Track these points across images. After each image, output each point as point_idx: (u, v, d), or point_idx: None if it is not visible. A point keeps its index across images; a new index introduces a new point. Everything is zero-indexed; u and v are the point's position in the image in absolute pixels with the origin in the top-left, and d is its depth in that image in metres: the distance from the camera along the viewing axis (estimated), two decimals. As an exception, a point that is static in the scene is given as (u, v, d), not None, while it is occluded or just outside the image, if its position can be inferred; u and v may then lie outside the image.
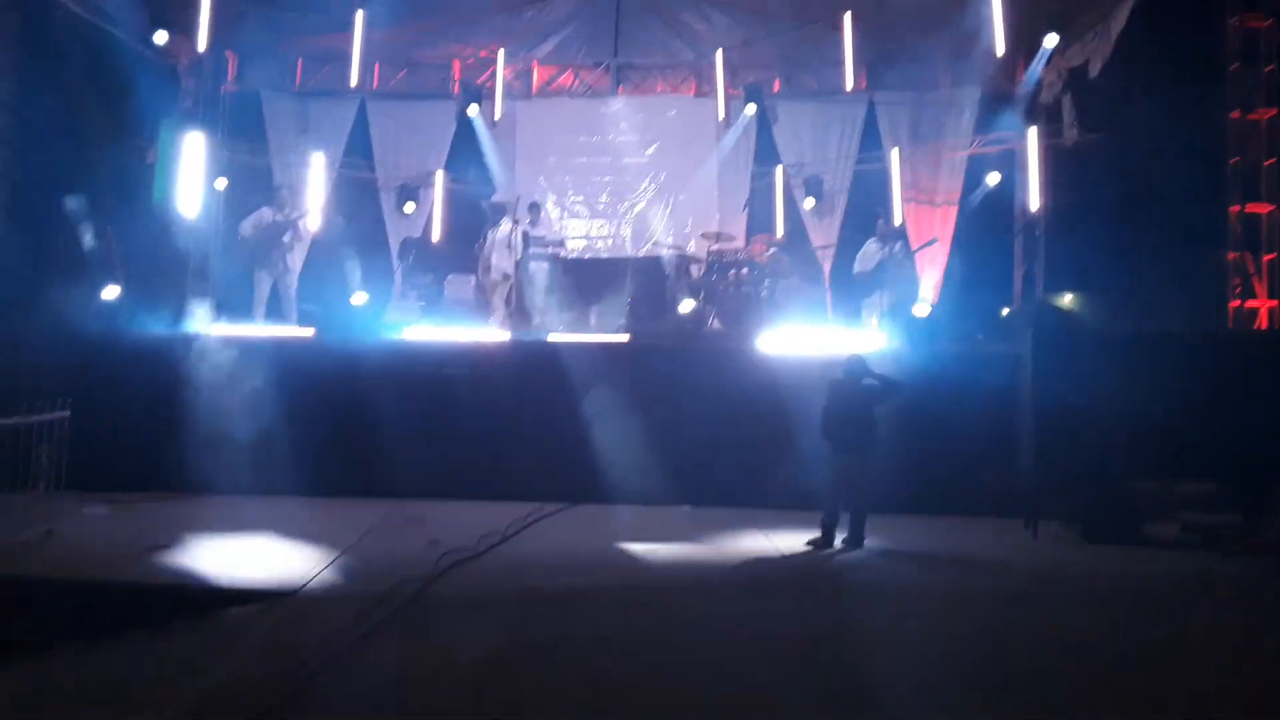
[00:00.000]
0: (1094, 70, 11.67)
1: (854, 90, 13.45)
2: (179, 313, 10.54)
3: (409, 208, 13.97)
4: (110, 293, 10.34)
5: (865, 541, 7.95)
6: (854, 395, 8.10)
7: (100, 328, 10.43)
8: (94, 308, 10.56)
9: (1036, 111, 12.97)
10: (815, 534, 7.97)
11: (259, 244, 11.87)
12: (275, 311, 12.08)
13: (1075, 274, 12.68)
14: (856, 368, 8.18)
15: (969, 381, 9.67)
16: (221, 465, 9.50)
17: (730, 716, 4.52)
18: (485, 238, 11.89)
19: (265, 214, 11.95)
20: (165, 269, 12.09)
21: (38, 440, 7.22)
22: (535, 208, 12.55)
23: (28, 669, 5.45)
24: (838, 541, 7.95)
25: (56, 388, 7.62)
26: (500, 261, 11.81)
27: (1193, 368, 8.55)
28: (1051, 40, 11.76)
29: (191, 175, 12.56)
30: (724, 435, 9.58)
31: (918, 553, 7.87)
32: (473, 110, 13.69)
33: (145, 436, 9.57)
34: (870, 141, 13.68)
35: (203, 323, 10.48)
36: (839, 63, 13.18)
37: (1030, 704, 4.65)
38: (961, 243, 13.10)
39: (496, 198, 12.98)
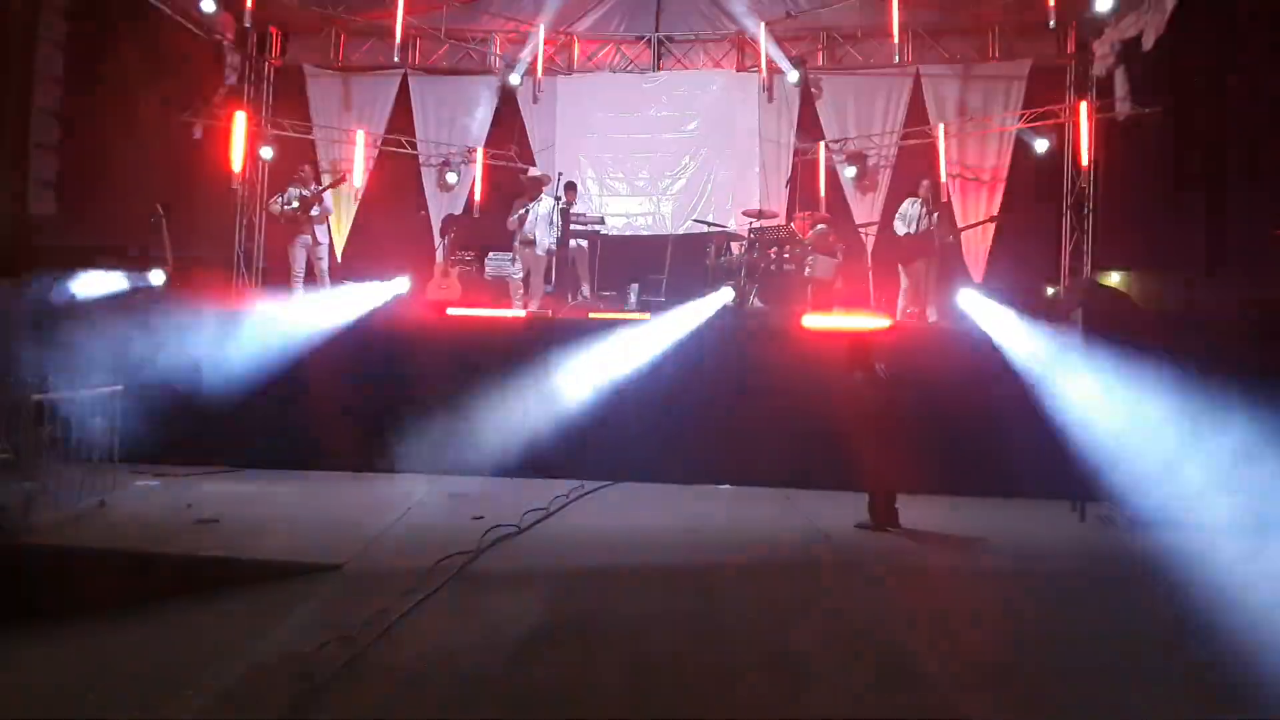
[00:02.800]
0: (1148, 42, 11.34)
1: (900, 63, 13.25)
2: (226, 287, 10.67)
3: (450, 179, 14.00)
4: (156, 277, 10.51)
5: (900, 522, 7.89)
6: (873, 377, 8.03)
7: (151, 302, 10.62)
8: (145, 282, 10.75)
9: (1087, 84, 12.70)
10: (862, 516, 7.92)
11: (289, 221, 11.95)
12: (312, 285, 12.22)
13: (1125, 251, 12.44)
14: (870, 349, 8.11)
15: (1015, 361, 9.54)
16: (268, 440, 9.65)
17: (777, 692, 4.52)
18: (527, 212, 11.88)
19: (293, 191, 12.01)
20: (212, 244, 12.27)
21: (91, 413, 7.35)
22: (572, 186, 12.51)
23: (81, 638, 5.58)
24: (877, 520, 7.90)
25: (108, 362, 7.74)
26: (543, 238, 11.81)
27: (1249, 348, 8.35)
28: (1105, 4, 11.34)
29: (238, 151, 12.71)
30: (765, 415, 9.52)
31: (963, 535, 7.80)
32: (512, 83, 13.68)
33: (195, 411, 9.72)
34: (916, 116, 13.44)
35: (248, 297, 10.60)
36: (885, 35, 12.98)
37: (1068, 684, 4.62)
38: (1008, 219, 12.85)
39: (534, 172, 12.93)
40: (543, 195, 11.97)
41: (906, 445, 7.95)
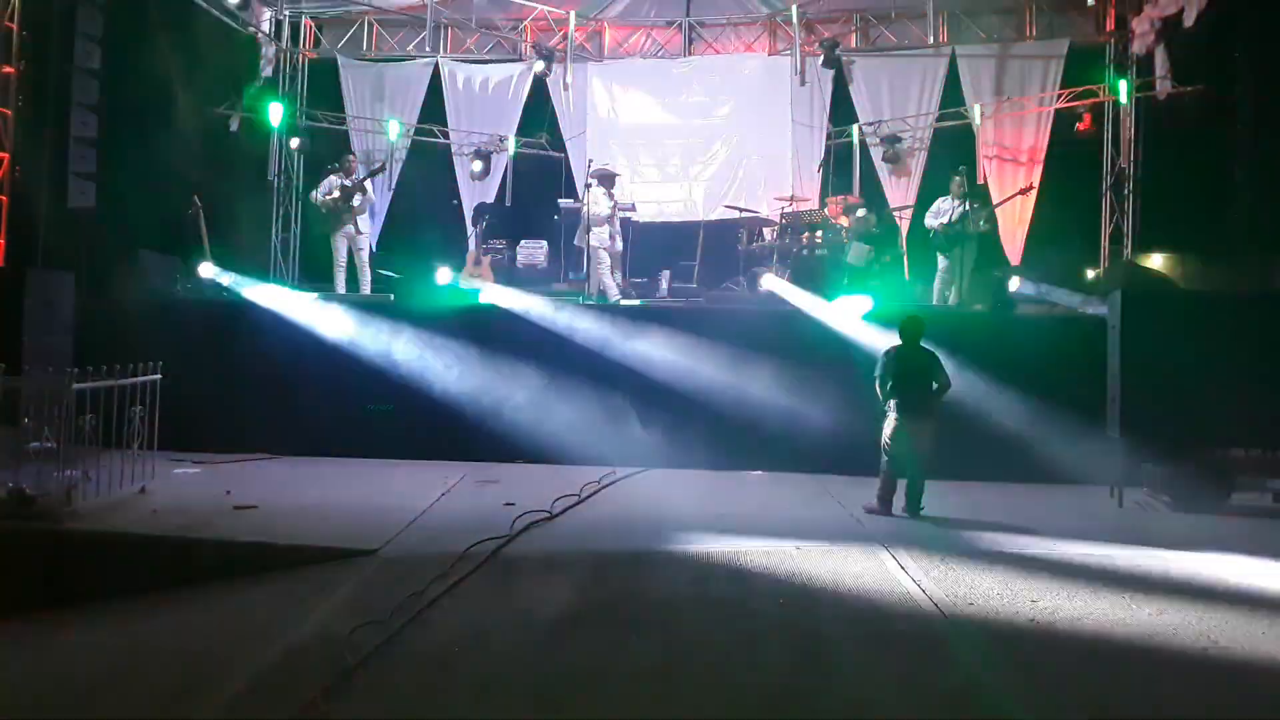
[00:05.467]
0: (1189, 20, 11.10)
1: (935, 44, 13.08)
2: (264, 278, 10.79)
3: (482, 168, 14.01)
4: (207, 270, 10.70)
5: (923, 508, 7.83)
6: (917, 358, 7.93)
7: (190, 293, 10.80)
8: (184, 274, 10.91)
9: (1127, 63, 12.46)
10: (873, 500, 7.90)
11: (330, 210, 11.94)
12: (352, 276, 12.30)
13: (1166, 233, 12.22)
14: (914, 329, 7.99)
15: (1053, 345, 9.42)
16: (305, 428, 9.77)
17: (807, 676, 4.51)
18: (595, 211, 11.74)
19: (334, 181, 11.98)
20: (250, 236, 12.41)
21: (131, 401, 7.47)
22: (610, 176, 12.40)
23: (122, 622, 5.69)
24: (897, 508, 7.84)
25: (148, 351, 7.86)
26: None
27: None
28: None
29: (273, 143, 12.84)
30: (797, 401, 9.47)
31: (999, 520, 7.70)
32: (540, 70, 13.65)
33: (233, 399, 9.86)
34: (951, 98, 13.26)
35: (286, 288, 10.71)
36: (920, 15, 12.82)
37: (1097, 668, 4.56)
38: (1046, 201, 12.67)
39: (598, 165, 12.58)
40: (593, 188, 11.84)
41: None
